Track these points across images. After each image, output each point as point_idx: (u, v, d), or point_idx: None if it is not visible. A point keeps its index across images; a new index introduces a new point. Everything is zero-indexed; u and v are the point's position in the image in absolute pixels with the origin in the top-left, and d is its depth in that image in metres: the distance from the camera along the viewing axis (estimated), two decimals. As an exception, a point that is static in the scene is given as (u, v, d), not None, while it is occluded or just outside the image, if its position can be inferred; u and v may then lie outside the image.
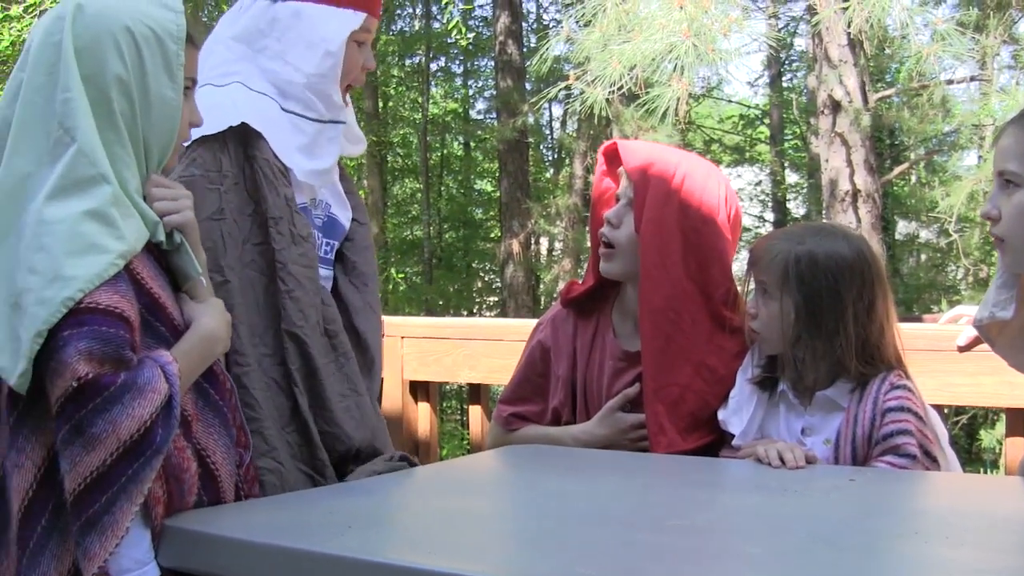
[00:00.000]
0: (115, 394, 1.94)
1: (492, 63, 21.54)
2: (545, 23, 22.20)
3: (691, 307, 2.92)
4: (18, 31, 10.57)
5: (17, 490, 2.05)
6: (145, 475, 1.98)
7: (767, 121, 24.17)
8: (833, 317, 2.70)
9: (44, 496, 2.03)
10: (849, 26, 7.94)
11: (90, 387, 1.93)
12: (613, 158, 3.13)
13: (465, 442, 16.41)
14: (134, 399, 1.96)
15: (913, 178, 18.54)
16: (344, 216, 2.94)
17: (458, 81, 26.31)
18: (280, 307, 2.61)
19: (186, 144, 2.47)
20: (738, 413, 2.83)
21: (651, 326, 2.92)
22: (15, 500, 2.05)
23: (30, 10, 10.50)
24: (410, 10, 23.61)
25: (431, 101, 24.63)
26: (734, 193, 3.08)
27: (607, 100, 8.37)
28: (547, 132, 24.79)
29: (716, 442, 2.91)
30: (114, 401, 1.94)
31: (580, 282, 3.22)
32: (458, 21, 11.62)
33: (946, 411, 3.46)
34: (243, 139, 2.64)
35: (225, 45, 2.77)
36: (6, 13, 10.70)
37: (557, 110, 23.69)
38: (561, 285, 15.98)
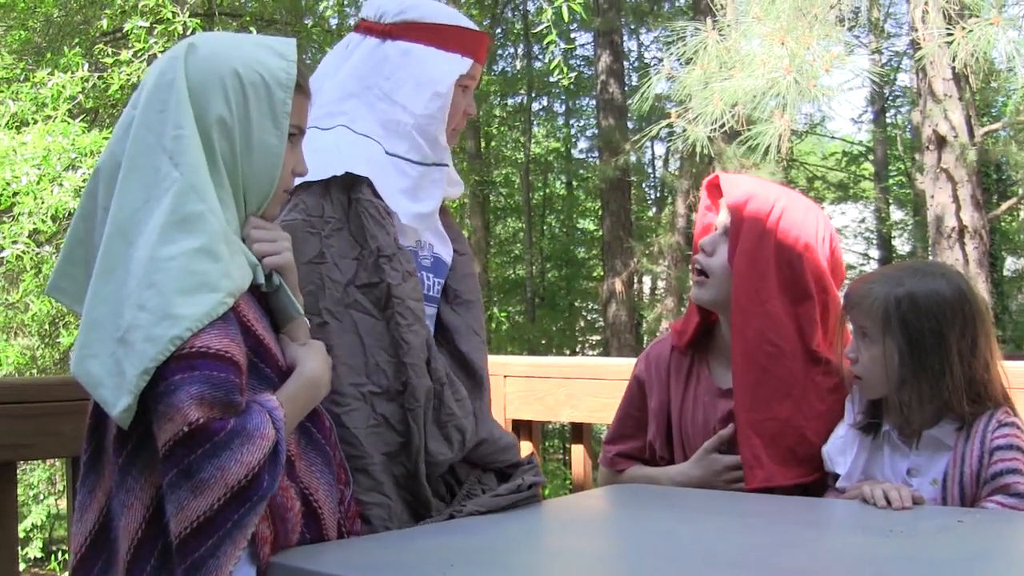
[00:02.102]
0: (225, 440, 1.95)
1: (594, 102, 21.68)
2: (646, 61, 22.31)
3: (788, 341, 2.90)
4: (127, 75, 10.80)
5: (126, 530, 2.06)
6: (250, 520, 1.98)
7: (871, 157, 23.97)
8: (938, 358, 2.65)
9: (153, 536, 2.04)
10: (954, 60, 7.83)
11: (200, 432, 1.93)
12: (716, 191, 3.14)
13: (568, 481, 16.35)
14: (243, 445, 1.96)
15: (1022, 213, 18.26)
16: (446, 253, 2.94)
17: (560, 120, 26.49)
18: (400, 342, 2.60)
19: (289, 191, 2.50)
20: (843, 454, 2.80)
21: (745, 358, 2.92)
22: (124, 540, 2.06)
23: (139, 54, 10.73)
24: (512, 50, 23.82)
25: (533, 140, 24.76)
26: (834, 232, 3.06)
27: (709, 138, 8.36)
28: (649, 170, 24.81)
29: (818, 483, 2.88)
30: (223, 447, 1.94)
31: (680, 322, 3.20)
32: (559, 61, 11.62)
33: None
34: (347, 184, 2.66)
35: (333, 83, 2.79)
36: (116, 58, 10.94)
37: (659, 148, 23.80)
38: (664, 325, 15.95)
